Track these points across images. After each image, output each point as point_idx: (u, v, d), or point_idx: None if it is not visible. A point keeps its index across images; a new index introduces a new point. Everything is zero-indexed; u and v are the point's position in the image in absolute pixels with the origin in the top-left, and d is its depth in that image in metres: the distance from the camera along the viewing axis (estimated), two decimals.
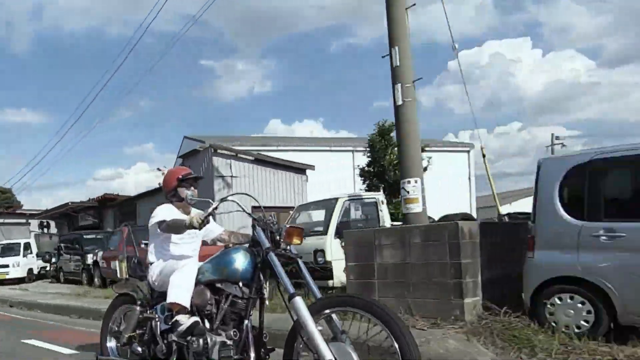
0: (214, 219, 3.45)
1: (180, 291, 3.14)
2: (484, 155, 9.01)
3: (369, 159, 17.29)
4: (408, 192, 6.51)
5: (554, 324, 4.25)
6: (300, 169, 16.11)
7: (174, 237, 3.49)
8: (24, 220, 29.05)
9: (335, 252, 7.70)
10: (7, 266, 17.65)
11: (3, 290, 14.29)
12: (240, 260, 3.07)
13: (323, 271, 7.68)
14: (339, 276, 7.41)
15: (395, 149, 11.23)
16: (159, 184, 15.25)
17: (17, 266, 17.90)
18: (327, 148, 24.89)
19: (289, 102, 63.03)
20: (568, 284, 4.23)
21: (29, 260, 18.63)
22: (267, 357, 3.09)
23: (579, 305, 4.17)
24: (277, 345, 3.13)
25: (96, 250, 14.26)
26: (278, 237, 3.00)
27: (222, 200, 3.12)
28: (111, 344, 4.00)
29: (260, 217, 3.06)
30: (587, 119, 67.51)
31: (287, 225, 3.04)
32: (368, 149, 17.28)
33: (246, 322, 3.04)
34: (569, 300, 4.23)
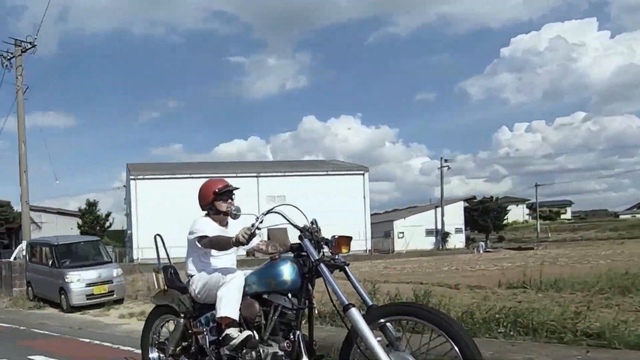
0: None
1: (230, 305, 3.14)
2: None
3: None
4: None
5: None
6: None
7: (214, 250, 3.47)
8: None
9: None
10: None
11: None
12: (289, 271, 3.06)
13: None
14: None
15: None
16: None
17: None
18: (234, 174, 25.48)
19: (323, 97, 59.95)
20: None
21: None
22: None
23: None
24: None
25: None
26: (324, 246, 2.99)
27: (267, 212, 3.09)
28: (153, 354, 4.02)
29: (306, 227, 3.04)
30: None
31: (337, 236, 3.02)
32: None
33: (297, 332, 3.04)
34: None
